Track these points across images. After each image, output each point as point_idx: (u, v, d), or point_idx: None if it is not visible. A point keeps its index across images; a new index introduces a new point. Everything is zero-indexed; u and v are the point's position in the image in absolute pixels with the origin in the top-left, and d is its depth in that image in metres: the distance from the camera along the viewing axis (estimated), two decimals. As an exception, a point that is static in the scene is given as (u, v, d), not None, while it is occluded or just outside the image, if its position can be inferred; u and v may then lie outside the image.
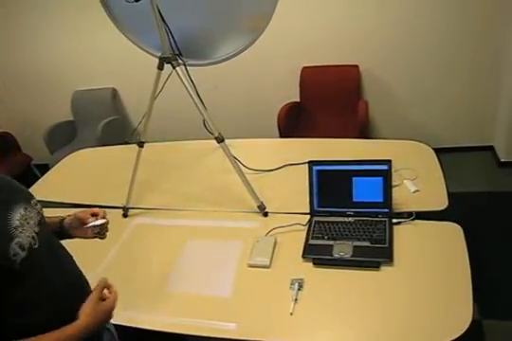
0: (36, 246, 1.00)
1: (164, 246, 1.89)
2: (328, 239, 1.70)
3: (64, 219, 1.31)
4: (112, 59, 3.94)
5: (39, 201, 1.14)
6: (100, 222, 1.29)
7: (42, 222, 1.09)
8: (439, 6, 3.17)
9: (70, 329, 1.01)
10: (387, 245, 1.62)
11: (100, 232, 1.33)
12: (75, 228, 1.30)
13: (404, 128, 3.76)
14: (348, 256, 1.61)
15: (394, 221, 1.74)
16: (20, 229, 0.97)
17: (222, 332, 1.44)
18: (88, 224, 1.29)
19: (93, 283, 1.14)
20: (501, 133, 3.48)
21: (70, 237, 1.31)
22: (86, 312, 1.05)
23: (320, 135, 2.57)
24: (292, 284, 1.54)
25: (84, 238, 1.33)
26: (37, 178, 2.69)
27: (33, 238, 1.01)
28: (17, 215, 0.99)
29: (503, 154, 3.45)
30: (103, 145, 3.27)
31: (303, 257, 1.65)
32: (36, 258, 0.99)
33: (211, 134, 1.88)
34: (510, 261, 2.51)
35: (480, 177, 3.39)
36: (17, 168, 4.05)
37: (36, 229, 1.03)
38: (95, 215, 1.32)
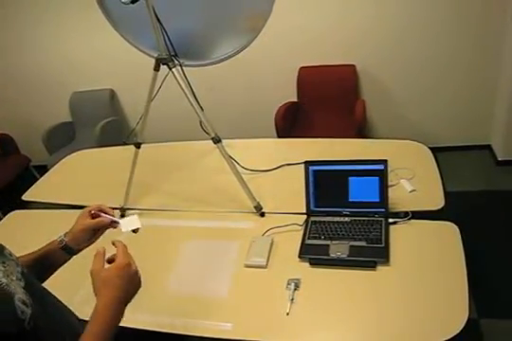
0: (31, 301, 0.85)
1: (161, 247, 1.90)
2: (325, 239, 1.70)
3: (62, 240, 1.12)
4: (110, 60, 3.95)
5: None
6: (136, 226, 1.11)
7: (24, 272, 0.93)
8: (436, 5, 3.18)
9: (94, 317, 0.89)
10: (383, 245, 1.62)
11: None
12: (86, 241, 1.14)
13: (401, 127, 3.77)
14: (344, 256, 1.61)
15: (391, 220, 1.74)
16: (12, 286, 0.82)
17: (218, 332, 1.44)
18: (124, 230, 1.12)
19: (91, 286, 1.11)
20: (498, 131, 3.48)
21: (76, 253, 1.15)
22: (97, 287, 0.93)
23: (317, 135, 2.57)
24: (288, 284, 1.54)
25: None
26: (36, 179, 2.69)
27: (25, 293, 0.86)
28: (0, 273, 0.84)
29: (501, 153, 3.45)
30: (102, 146, 3.28)
31: (300, 257, 1.66)
32: (35, 313, 0.84)
33: (208, 134, 1.88)
34: (507, 260, 2.52)
35: (477, 176, 3.40)
36: (16, 169, 4.06)
37: (22, 283, 0.88)
38: (97, 215, 1.14)
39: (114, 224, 1.13)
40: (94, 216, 1.13)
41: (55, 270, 1.13)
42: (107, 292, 0.93)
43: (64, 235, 1.13)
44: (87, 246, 1.15)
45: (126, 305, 0.95)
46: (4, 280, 0.82)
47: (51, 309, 0.95)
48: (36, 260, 1.09)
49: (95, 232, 1.14)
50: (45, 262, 1.10)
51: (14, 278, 0.87)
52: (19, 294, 0.82)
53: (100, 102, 4.12)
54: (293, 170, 2.20)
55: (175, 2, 2.05)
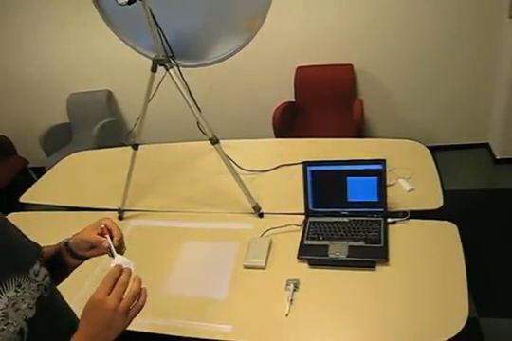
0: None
1: (160, 248, 1.89)
2: (323, 239, 1.70)
3: (67, 240, 1.06)
4: (107, 61, 3.94)
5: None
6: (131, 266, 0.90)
7: (43, 297, 0.83)
8: (433, 4, 3.18)
9: None
10: (382, 245, 1.62)
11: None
12: (85, 250, 1.04)
13: (399, 127, 3.77)
14: (343, 256, 1.60)
15: (390, 220, 1.74)
16: (1, 325, 0.71)
17: (218, 334, 1.44)
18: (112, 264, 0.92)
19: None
20: (496, 130, 3.48)
21: (80, 258, 1.06)
22: (84, 315, 0.80)
23: (315, 135, 2.57)
24: (288, 285, 1.54)
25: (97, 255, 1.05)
26: (33, 181, 2.68)
27: (21, 331, 0.74)
28: (2, 302, 0.73)
29: (499, 152, 3.45)
30: (99, 147, 3.27)
31: (299, 257, 1.65)
32: None
33: (206, 135, 1.88)
34: (506, 259, 2.52)
35: (476, 175, 3.40)
36: (13, 171, 4.04)
37: (30, 314, 0.77)
38: (104, 233, 1.01)
39: (110, 251, 0.99)
40: (102, 232, 1.02)
41: (67, 272, 1.07)
42: (81, 322, 0.81)
43: (74, 235, 1.06)
44: (90, 256, 1.05)
45: None
46: None
47: (56, 334, 0.85)
48: (50, 257, 1.02)
49: (93, 247, 1.03)
50: (58, 261, 1.03)
51: (24, 307, 0.77)
52: (1, 337, 0.71)
53: (98, 103, 4.11)
54: (291, 171, 2.19)
55: (172, 3, 2.05)
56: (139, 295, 0.84)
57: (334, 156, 1.87)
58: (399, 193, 1.91)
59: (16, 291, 0.76)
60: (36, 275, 0.83)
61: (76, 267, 1.08)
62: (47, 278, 0.86)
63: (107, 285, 0.81)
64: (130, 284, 0.84)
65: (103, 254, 1.03)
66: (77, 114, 4.20)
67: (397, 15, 3.28)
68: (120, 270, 0.85)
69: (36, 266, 0.84)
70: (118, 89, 4.14)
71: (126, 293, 0.82)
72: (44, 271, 0.86)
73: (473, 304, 2.24)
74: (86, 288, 1.57)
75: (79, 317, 0.83)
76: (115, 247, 0.99)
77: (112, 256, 0.97)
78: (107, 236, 1.00)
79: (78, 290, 1.48)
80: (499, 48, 3.24)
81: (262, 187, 2.12)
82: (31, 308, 0.78)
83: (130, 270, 0.87)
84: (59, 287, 1.00)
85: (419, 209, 1.80)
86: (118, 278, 0.83)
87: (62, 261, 1.05)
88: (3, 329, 0.71)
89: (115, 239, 1.00)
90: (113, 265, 0.88)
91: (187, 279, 1.70)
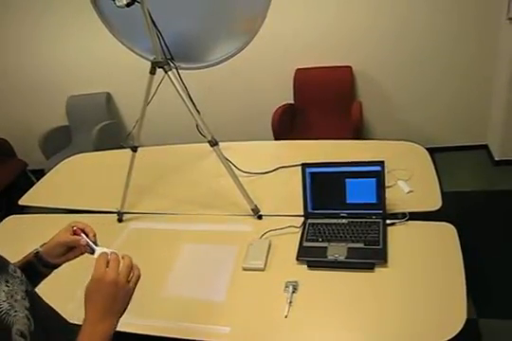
0: (32, 328, 0.78)
1: (159, 250, 1.89)
2: (322, 241, 1.70)
3: (37, 251, 1.05)
4: (106, 64, 3.95)
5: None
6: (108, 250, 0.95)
7: (29, 290, 0.87)
8: (432, 6, 3.19)
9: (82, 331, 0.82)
10: (381, 247, 1.62)
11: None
12: (60, 256, 1.05)
13: (398, 128, 3.77)
14: (342, 258, 1.60)
15: (388, 222, 1.74)
16: (12, 312, 0.75)
17: (217, 335, 1.44)
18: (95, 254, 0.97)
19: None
20: (495, 131, 3.49)
21: (52, 267, 1.07)
22: (87, 294, 0.84)
23: (314, 137, 2.58)
24: (287, 287, 1.53)
25: (71, 260, 1.08)
26: (33, 184, 2.68)
27: (28, 318, 0.78)
28: (1, 295, 0.76)
29: (498, 153, 3.46)
30: (99, 149, 3.27)
31: (298, 259, 1.65)
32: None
33: (205, 137, 1.88)
34: (506, 260, 2.52)
35: (475, 176, 3.40)
36: (13, 174, 4.04)
37: (27, 304, 0.81)
38: (78, 233, 1.04)
39: (88, 248, 1.01)
40: (75, 233, 1.04)
41: (36, 284, 1.04)
42: (86, 307, 0.84)
43: (41, 246, 1.06)
44: (63, 262, 1.07)
45: (110, 323, 0.85)
46: (5, 306, 0.74)
47: (54, 332, 0.88)
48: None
49: (70, 249, 1.05)
50: (28, 273, 0.98)
51: (19, 298, 0.80)
52: (19, 323, 0.74)
53: (97, 106, 4.12)
54: (290, 173, 2.20)
55: (171, 5, 2.05)
56: (133, 268, 0.90)
57: (333, 158, 1.87)
58: (398, 195, 1.91)
59: (7, 286, 0.80)
60: (15, 272, 0.87)
61: (45, 277, 1.09)
62: (24, 275, 0.90)
63: (101, 266, 0.86)
64: (121, 260, 0.90)
65: (80, 255, 1.06)
66: (76, 116, 4.21)
67: (395, 17, 3.29)
68: (107, 254, 0.89)
69: (11, 265, 0.88)
70: (117, 91, 4.15)
71: (120, 267, 0.88)
72: (18, 269, 0.90)
73: (472, 305, 2.24)
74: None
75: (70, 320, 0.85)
76: (92, 242, 1.03)
77: (92, 253, 1.00)
78: (82, 234, 1.04)
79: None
80: (497, 50, 3.25)
81: (261, 188, 2.12)
82: (24, 299, 0.83)
83: (117, 253, 0.91)
84: (50, 297, 0.99)
85: (418, 211, 1.80)
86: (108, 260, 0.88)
87: (33, 273, 1.02)
88: (15, 315, 0.75)
89: (90, 235, 1.04)
90: (97, 254, 0.93)
91: (186, 281, 1.70)
